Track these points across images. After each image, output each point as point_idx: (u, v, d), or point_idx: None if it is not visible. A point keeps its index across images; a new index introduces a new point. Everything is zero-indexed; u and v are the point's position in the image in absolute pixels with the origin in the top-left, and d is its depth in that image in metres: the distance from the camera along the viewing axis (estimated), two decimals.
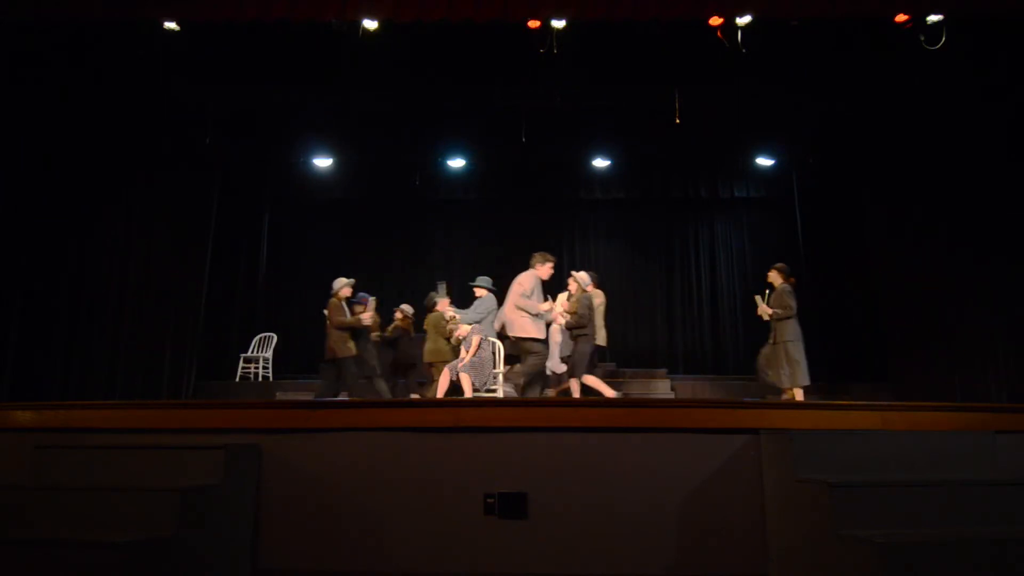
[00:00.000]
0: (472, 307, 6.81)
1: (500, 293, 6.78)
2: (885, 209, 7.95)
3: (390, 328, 7.68)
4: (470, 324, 6.54)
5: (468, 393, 6.04)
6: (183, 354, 7.97)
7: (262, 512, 3.13)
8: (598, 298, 6.84)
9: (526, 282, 6.27)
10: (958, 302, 6.82)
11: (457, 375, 6.22)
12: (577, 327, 6.35)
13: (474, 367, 6.22)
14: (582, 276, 6.64)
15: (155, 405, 3.75)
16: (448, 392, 6.26)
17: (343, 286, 6.74)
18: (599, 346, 6.70)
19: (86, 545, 2.39)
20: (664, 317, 11.38)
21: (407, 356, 7.53)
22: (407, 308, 7.86)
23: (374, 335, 7.19)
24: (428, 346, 7.09)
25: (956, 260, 6.86)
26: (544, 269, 6.40)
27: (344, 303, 6.67)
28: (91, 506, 2.71)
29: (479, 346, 6.31)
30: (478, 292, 6.84)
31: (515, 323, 6.21)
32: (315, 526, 3.12)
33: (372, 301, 6.94)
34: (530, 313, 6.15)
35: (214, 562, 2.82)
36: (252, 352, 9.09)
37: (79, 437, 3.29)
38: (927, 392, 6.78)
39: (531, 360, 6.16)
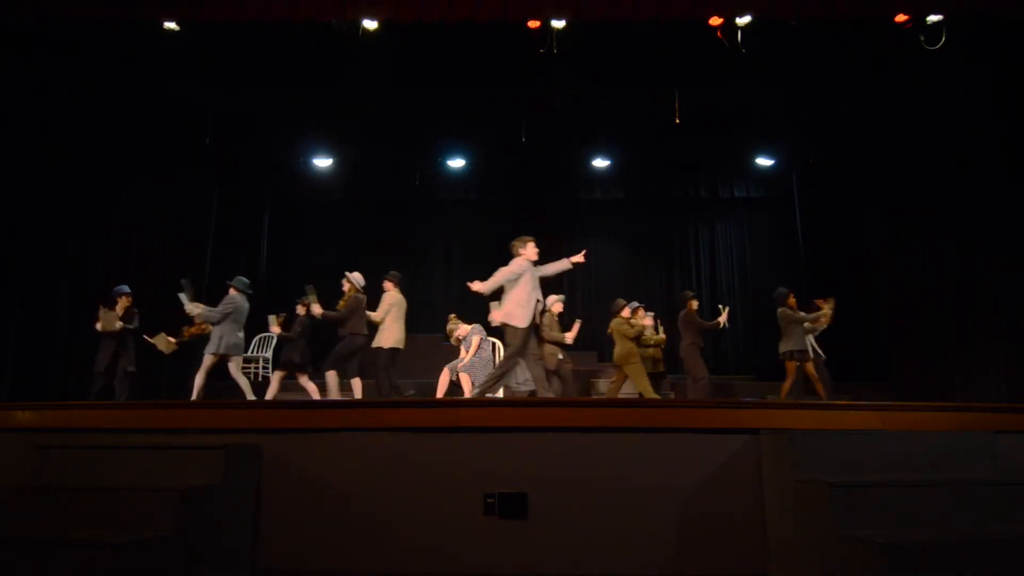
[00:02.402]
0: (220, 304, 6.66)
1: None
2: (885, 209, 7.94)
3: (188, 330, 7.18)
4: (213, 323, 6.49)
5: (468, 393, 6.04)
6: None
7: (262, 512, 3.13)
8: (393, 298, 6.74)
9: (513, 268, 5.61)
10: (958, 302, 6.81)
11: (457, 375, 6.22)
12: (332, 323, 6.47)
13: (474, 367, 6.22)
14: (356, 277, 6.74)
15: (155, 405, 3.75)
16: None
17: (555, 302, 6.95)
18: (394, 348, 6.62)
19: (86, 545, 2.39)
20: (664, 317, 11.36)
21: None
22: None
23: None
24: (616, 350, 7.12)
25: (956, 260, 6.85)
26: (529, 250, 5.83)
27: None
28: (91, 506, 2.71)
29: (479, 346, 6.31)
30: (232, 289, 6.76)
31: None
32: (315, 526, 3.12)
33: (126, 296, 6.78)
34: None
35: (214, 562, 2.82)
36: (252, 352, 9.05)
37: (79, 437, 3.29)
38: (927, 392, 6.78)
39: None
